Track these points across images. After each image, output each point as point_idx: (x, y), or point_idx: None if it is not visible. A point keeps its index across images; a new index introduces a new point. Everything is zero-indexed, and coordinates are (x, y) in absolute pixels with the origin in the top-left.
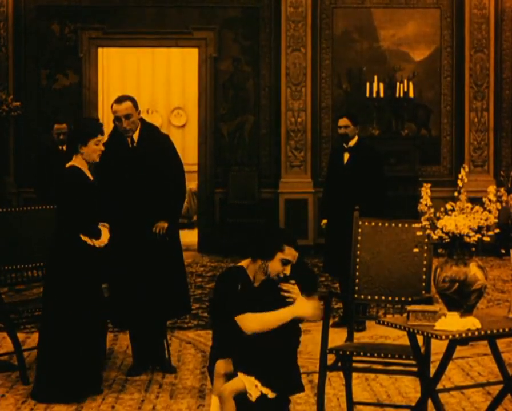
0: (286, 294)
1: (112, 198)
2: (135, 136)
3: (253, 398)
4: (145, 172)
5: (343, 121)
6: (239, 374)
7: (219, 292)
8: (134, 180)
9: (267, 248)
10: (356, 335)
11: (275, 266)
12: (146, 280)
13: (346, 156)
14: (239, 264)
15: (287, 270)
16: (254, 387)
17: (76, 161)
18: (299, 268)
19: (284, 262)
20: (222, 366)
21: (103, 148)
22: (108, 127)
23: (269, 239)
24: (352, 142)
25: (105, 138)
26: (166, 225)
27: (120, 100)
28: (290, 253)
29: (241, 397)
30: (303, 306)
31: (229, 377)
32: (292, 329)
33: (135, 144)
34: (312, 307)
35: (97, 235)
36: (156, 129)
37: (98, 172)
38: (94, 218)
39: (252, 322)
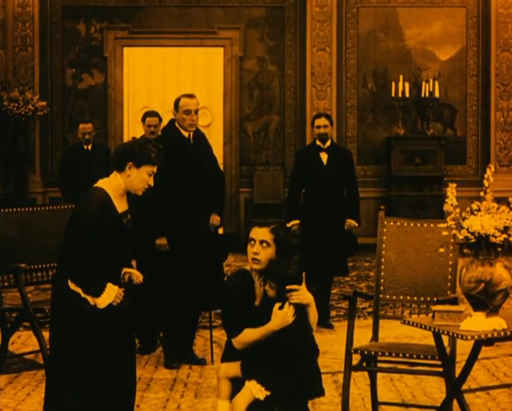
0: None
1: (173, 192)
2: (191, 133)
3: (262, 398)
4: (203, 167)
5: (323, 121)
6: (246, 380)
7: (223, 302)
8: (196, 173)
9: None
10: (381, 335)
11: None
12: (193, 270)
13: (324, 156)
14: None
15: (257, 248)
16: (259, 391)
17: (109, 183)
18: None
19: (252, 244)
20: (223, 369)
21: (151, 183)
22: (134, 127)
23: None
24: (328, 143)
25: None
26: (219, 218)
27: (191, 95)
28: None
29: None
30: (275, 318)
31: (232, 380)
32: (293, 338)
33: (191, 141)
34: (280, 317)
35: (94, 290)
36: (202, 132)
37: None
38: (103, 268)
39: (239, 343)
